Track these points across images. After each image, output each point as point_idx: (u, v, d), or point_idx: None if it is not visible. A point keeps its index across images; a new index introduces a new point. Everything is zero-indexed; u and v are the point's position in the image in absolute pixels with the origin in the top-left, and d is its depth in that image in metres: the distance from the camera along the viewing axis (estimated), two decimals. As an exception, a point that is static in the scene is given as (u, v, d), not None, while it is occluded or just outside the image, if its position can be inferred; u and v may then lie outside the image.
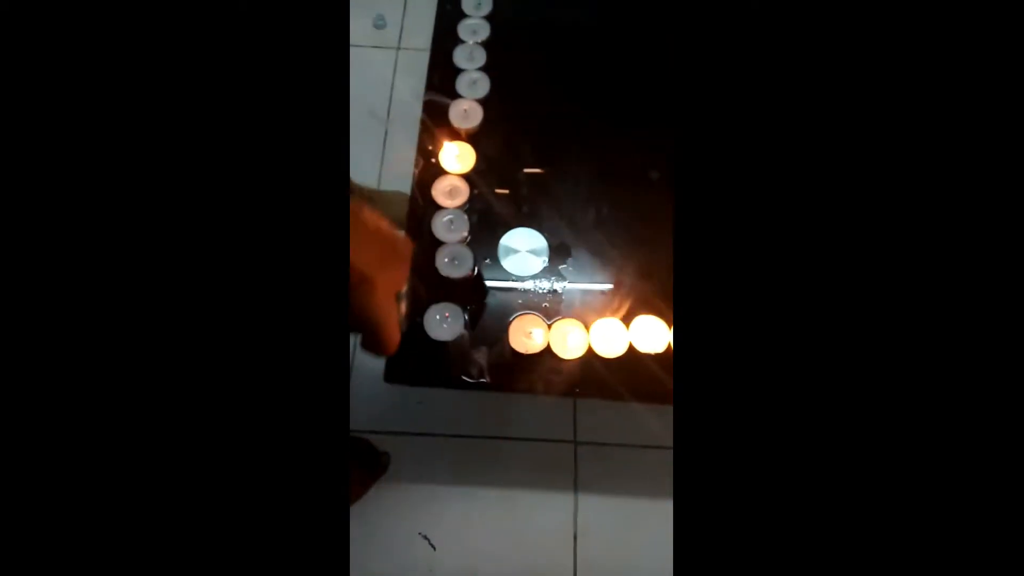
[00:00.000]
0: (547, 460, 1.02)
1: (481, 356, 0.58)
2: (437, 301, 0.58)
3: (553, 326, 0.58)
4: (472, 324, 0.58)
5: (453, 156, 0.62)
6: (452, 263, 0.60)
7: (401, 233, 0.37)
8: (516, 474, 1.00)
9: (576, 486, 1.00)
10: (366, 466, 0.81)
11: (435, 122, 0.64)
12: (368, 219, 0.32)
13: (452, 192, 0.62)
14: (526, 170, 0.64)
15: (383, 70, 1.24)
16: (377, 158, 1.03)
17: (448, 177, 0.62)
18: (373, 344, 0.34)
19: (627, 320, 0.59)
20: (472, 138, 0.65)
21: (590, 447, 1.03)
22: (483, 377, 0.58)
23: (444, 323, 0.58)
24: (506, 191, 0.63)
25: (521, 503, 0.99)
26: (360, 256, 0.30)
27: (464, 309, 0.58)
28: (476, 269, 0.60)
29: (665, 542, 0.97)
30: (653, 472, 1.00)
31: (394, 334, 0.35)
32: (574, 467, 1.01)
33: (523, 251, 0.61)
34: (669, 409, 0.57)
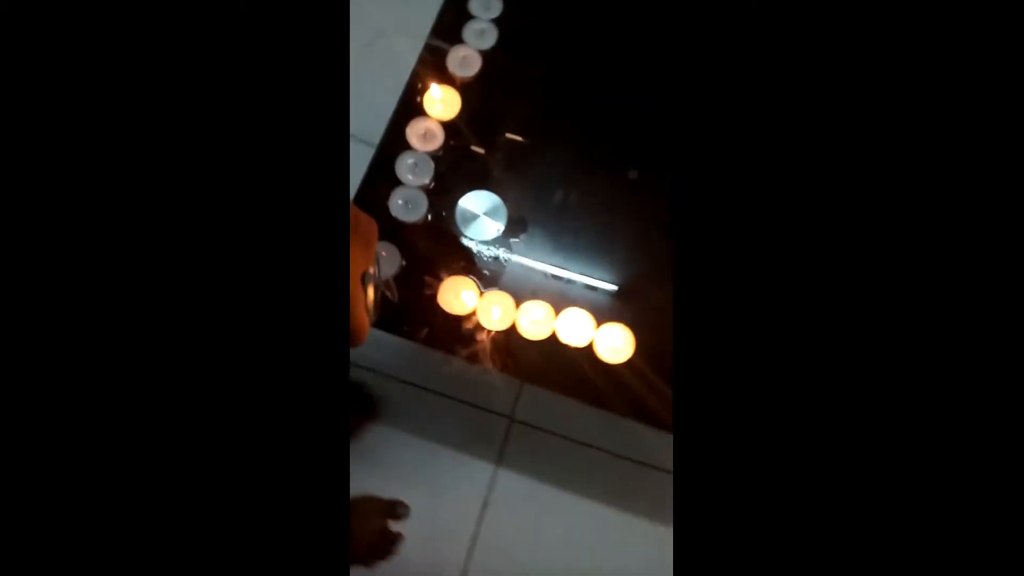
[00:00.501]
0: (480, 428, 1.02)
1: (406, 305, 0.57)
2: (380, 239, 0.58)
3: (485, 294, 0.58)
4: (407, 272, 0.58)
5: (437, 99, 0.61)
6: (405, 206, 0.59)
7: (363, 213, 0.35)
8: (446, 431, 1.02)
9: (500, 459, 1.01)
10: None
11: (431, 63, 0.63)
12: None
13: (426, 135, 0.61)
14: (508, 135, 0.63)
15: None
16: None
17: (427, 120, 0.61)
18: None
19: (558, 308, 0.58)
20: (464, 88, 0.63)
21: (524, 427, 1.03)
22: (405, 326, 0.58)
23: (379, 261, 0.57)
24: (481, 150, 0.62)
25: (443, 459, 1.00)
26: None
27: (402, 254, 0.58)
28: (429, 216, 0.60)
29: (569, 537, 0.98)
30: (579, 467, 1.01)
31: (362, 319, 0.32)
32: (503, 441, 1.02)
33: (481, 214, 0.60)
34: (612, 414, 0.57)
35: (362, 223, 0.33)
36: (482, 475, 1.00)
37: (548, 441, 1.02)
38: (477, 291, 0.58)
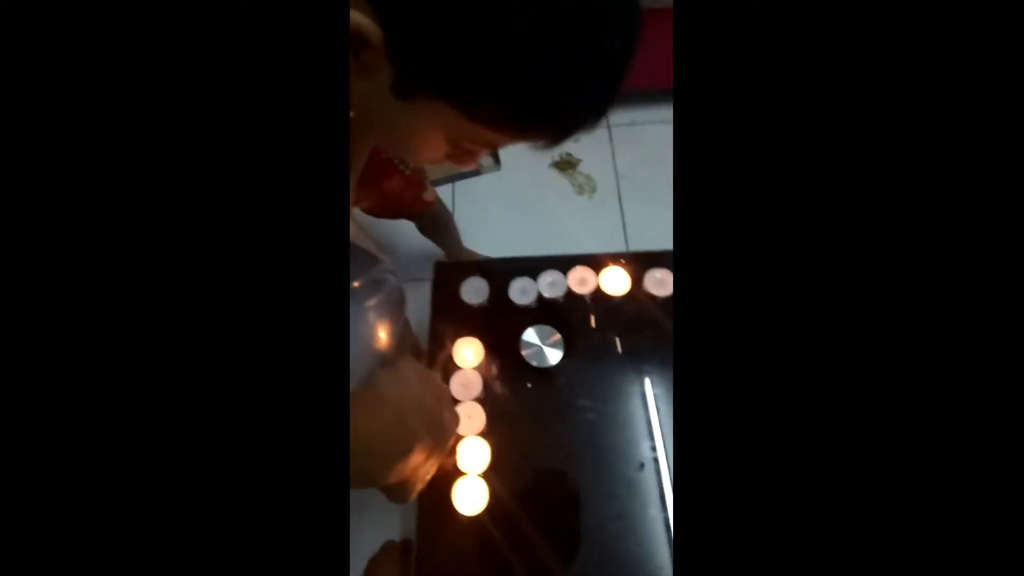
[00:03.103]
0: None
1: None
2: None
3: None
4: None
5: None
6: (522, 292, 0.70)
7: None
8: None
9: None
10: None
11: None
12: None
13: (582, 281, 0.71)
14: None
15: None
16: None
17: (586, 271, 0.71)
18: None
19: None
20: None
21: None
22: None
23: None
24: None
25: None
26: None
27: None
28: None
29: None
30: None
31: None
32: None
33: (541, 344, 0.66)
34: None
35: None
36: None
37: None
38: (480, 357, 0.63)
